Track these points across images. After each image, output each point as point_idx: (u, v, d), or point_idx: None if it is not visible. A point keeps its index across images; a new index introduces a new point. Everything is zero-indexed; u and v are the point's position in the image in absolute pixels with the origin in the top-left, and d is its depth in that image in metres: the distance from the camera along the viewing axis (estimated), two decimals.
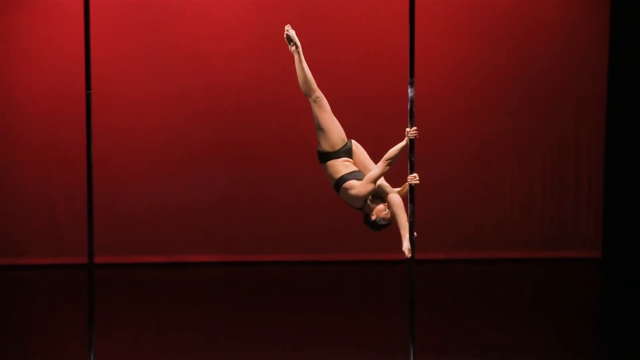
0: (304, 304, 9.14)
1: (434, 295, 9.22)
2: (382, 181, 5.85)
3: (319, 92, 5.93)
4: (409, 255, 5.68)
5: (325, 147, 5.96)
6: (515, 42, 10.84)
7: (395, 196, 5.79)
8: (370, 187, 5.80)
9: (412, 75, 5.68)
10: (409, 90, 5.67)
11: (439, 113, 10.78)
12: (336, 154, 5.95)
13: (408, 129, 5.67)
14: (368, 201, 5.85)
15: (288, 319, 8.54)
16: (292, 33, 5.93)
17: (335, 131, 5.95)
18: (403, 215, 5.74)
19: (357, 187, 5.83)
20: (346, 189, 5.84)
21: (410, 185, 5.70)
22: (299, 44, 5.91)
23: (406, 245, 5.69)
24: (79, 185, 10.30)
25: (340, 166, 5.94)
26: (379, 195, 5.86)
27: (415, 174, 5.68)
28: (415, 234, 5.72)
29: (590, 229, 11.10)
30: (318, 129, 5.97)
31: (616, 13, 10.77)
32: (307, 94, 5.95)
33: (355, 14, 10.63)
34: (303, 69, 5.92)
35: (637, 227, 10.76)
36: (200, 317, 8.56)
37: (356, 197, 5.82)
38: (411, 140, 5.68)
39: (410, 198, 5.71)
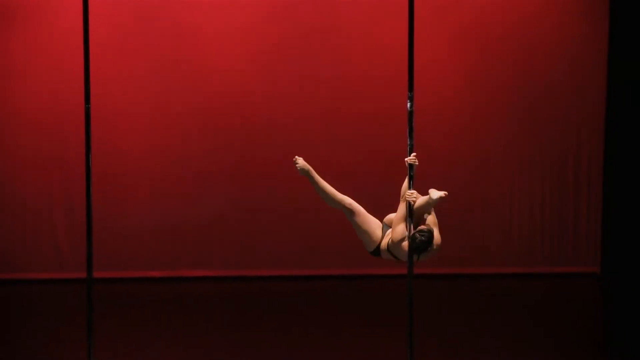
0: (303, 319, 9.12)
1: (434, 310, 9.21)
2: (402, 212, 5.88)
3: (347, 202, 5.94)
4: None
5: (368, 248, 6.07)
6: (515, 60, 10.86)
7: (429, 217, 5.88)
8: (401, 226, 5.80)
9: (411, 89, 5.71)
10: (408, 104, 5.69)
11: (438, 130, 10.79)
12: (377, 252, 6.03)
13: (407, 159, 5.69)
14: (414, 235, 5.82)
15: (287, 333, 8.52)
16: (301, 163, 5.89)
17: (368, 232, 5.97)
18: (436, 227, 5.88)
19: (393, 235, 5.86)
20: (394, 244, 5.86)
21: (409, 202, 5.71)
22: (308, 168, 5.88)
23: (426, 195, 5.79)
24: (78, 199, 10.32)
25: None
26: (417, 223, 5.89)
27: (412, 191, 5.70)
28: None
29: (589, 245, 11.09)
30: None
31: (615, 29, 10.78)
32: (337, 207, 5.96)
33: (354, 28, 10.64)
34: (322, 188, 5.92)
35: (636, 243, 10.76)
36: (200, 332, 8.55)
37: (398, 242, 5.84)
38: (410, 165, 5.70)
39: (410, 213, 5.72)
